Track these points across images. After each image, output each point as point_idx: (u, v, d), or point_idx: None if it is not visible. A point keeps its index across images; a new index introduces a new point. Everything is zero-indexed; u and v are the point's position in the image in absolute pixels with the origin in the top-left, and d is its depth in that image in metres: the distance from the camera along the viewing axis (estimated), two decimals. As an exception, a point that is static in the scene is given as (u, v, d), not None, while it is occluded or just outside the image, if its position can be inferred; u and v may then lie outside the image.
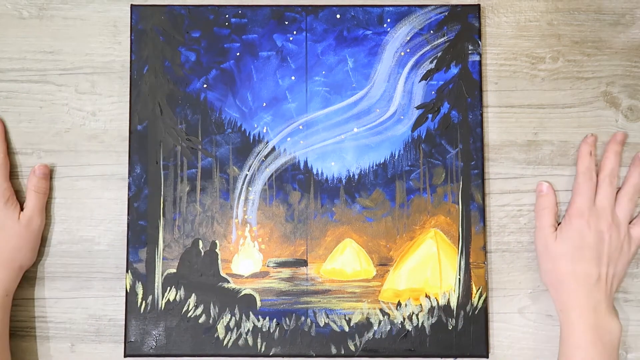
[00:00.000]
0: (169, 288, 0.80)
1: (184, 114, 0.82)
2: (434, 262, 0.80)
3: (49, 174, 0.81)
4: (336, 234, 0.81)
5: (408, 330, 0.79)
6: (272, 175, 0.81)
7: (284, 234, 0.81)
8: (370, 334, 0.79)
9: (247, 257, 0.81)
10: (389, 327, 0.79)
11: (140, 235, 0.80)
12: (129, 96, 0.82)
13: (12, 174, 0.82)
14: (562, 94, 0.83)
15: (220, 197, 0.81)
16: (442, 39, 0.82)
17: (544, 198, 0.79)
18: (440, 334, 0.79)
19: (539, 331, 0.81)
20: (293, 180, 0.81)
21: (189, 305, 0.79)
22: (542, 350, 0.81)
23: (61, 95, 0.83)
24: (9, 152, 0.82)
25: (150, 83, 0.82)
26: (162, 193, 0.81)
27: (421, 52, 0.82)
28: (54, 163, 0.82)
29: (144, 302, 0.79)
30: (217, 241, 0.81)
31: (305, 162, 0.81)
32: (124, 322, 0.80)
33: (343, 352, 0.79)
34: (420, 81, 0.82)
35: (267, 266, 0.81)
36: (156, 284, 0.80)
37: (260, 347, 0.79)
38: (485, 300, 0.79)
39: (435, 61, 0.82)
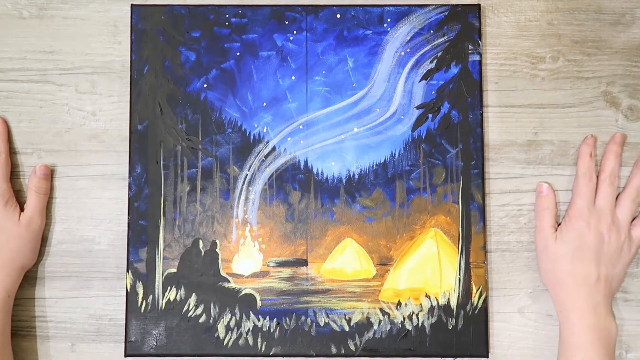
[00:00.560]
0: (169, 288, 0.80)
1: (184, 114, 0.82)
2: (434, 261, 0.80)
3: (50, 175, 0.82)
4: (336, 234, 0.81)
5: (408, 330, 0.79)
6: (272, 175, 0.81)
7: (284, 234, 0.81)
8: (371, 334, 0.79)
9: (248, 256, 0.81)
10: (389, 327, 0.79)
11: (140, 235, 0.80)
12: (129, 96, 0.82)
13: (13, 174, 0.82)
14: (562, 93, 0.83)
15: (221, 196, 0.81)
16: (442, 39, 0.82)
17: (543, 199, 0.80)
18: (440, 333, 0.79)
19: (539, 331, 0.81)
20: (293, 180, 0.81)
21: (189, 305, 0.80)
22: (542, 350, 0.81)
23: (61, 95, 0.83)
24: (12, 152, 0.82)
25: (151, 83, 0.82)
26: (162, 193, 0.81)
27: (421, 52, 0.82)
28: (54, 163, 0.82)
29: (144, 301, 0.80)
30: (217, 241, 0.81)
31: (306, 162, 0.81)
32: (124, 322, 0.80)
33: (343, 352, 0.79)
34: (420, 81, 0.82)
35: (268, 266, 0.81)
36: (156, 284, 0.80)
37: (261, 347, 0.79)
38: (485, 300, 0.79)
39: (435, 61, 0.82)
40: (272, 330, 0.79)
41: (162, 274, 0.80)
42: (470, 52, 0.82)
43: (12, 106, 0.83)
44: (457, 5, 0.82)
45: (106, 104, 0.83)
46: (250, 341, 0.79)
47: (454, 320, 0.79)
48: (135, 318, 0.79)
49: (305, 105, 0.82)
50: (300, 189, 0.81)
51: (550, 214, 0.79)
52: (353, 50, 0.82)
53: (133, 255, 0.80)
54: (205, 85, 0.82)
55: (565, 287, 0.76)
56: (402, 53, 0.82)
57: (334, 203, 0.81)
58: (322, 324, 0.79)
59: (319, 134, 0.82)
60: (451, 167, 0.81)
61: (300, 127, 0.82)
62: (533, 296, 0.81)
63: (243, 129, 0.82)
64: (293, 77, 0.82)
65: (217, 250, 0.81)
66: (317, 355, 0.79)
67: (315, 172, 0.81)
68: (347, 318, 0.79)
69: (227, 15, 0.82)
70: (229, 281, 0.80)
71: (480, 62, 0.82)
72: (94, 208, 0.82)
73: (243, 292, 0.80)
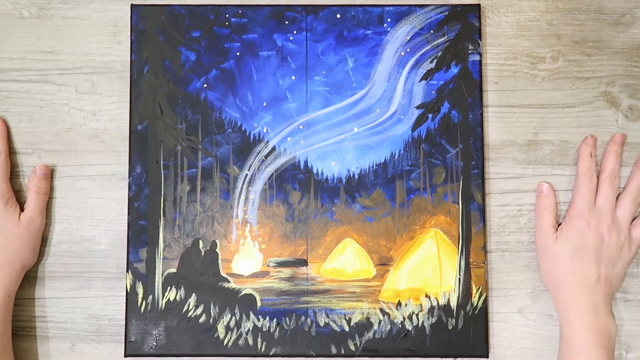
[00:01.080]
0: (169, 288, 0.80)
1: (184, 114, 0.82)
2: (434, 261, 0.80)
3: (50, 175, 0.82)
4: (336, 234, 0.81)
5: (408, 330, 0.79)
6: (272, 175, 0.81)
7: (284, 234, 0.81)
8: (371, 334, 0.79)
9: (248, 256, 0.81)
10: (389, 327, 0.79)
11: (140, 235, 0.80)
12: (129, 96, 0.82)
13: (12, 174, 0.82)
14: (562, 93, 0.83)
15: (221, 196, 0.81)
16: (442, 39, 0.82)
17: (544, 199, 0.79)
18: (440, 333, 0.79)
19: (539, 331, 0.81)
20: (293, 180, 0.81)
21: (189, 305, 0.80)
22: (542, 350, 0.81)
23: (61, 95, 0.83)
24: (12, 152, 0.82)
25: (151, 83, 0.82)
26: (162, 193, 0.81)
27: (421, 52, 0.82)
28: (54, 163, 0.82)
29: (144, 301, 0.80)
30: (217, 241, 0.81)
31: (306, 162, 0.81)
32: (124, 322, 0.80)
33: (343, 352, 0.79)
34: (420, 81, 0.82)
35: (268, 266, 0.81)
36: (156, 284, 0.80)
37: (261, 347, 0.79)
38: (485, 300, 0.79)
39: (435, 61, 0.82)
40: (272, 331, 0.79)
41: (162, 274, 0.80)
42: (470, 52, 0.82)
43: (12, 106, 0.83)
44: (457, 5, 0.82)
45: (106, 104, 0.83)
46: (250, 341, 0.79)
47: (454, 320, 0.79)
48: (135, 318, 0.79)
49: (305, 105, 0.82)
50: (300, 189, 0.81)
51: (550, 214, 0.79)
52: (353, 50, 0.82)
53: (133, 255, 0.80)
54: (205, 85, 0.82)
55: (565, 287, 0.76)
56: (402, 53, 0.82)
57: (334, 203, 0.81)
58: (322, 324, 0.79)
59: (319, 134, 0.82)
60: (451, 167, 0.81)
61: (300, 127, 0.82)
62: (533, 296, 0.81)
63: (243, 129, 0.82)
64: (293, 77, 0.82)
65: (217, 250, 0.81)
66: (317, 356, 0.79)
67: (315, 172, 0.81)
68: (347, 318, 0.79)
69: (227, 15, 0.82)
70: (229, 281, 0.80)
71: (480, 62, 0.82)
72: (94, 208, 0.82)
73: (243, 292, 0.80)
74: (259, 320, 0.79)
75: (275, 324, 0.79)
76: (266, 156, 0.81)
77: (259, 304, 0.80)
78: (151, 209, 0.81)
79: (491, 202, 0.82)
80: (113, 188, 0.82)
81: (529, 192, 0.82)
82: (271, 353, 0.79)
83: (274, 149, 0.81)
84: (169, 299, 0.80)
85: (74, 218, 0.82)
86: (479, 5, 0.82)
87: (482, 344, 0.79)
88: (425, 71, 0.82)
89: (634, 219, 0.79)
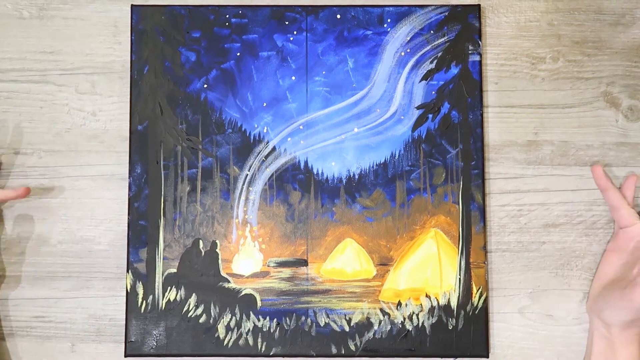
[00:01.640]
0: (169, 288, 0.80)
1: (184, 114, 0.82)
2: (434, 262, 0.80)
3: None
4: (336, 234, 0.81)
5: (408, 330, 0.79)
6: (272, 175, 0.81)
7: (284, 234, 0.81)
8: (371, 334, 0.79)
9: (248, 256, 0.81)
10: (389, 327, 0.79)
11: (140, 235, 0.80)
12: (129, 96, 0.82)
13: (13, 174, 0.82)
14: (562, 94, 0.83)
15: (221, 197, 0.81)
16: (443, 39, 0.82)
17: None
18: (441, 333, 0.79)
19: (539, 331, 0.81)
20: (293, 180, 0.81)
21: (189, 305, 0.80)
22: (542, 350, 0.81)
23: (61, 95, 0.83)
24: (11, 152, 0.82)
25: (151, 83, 0.82)
26: (162, 193, 0.81)
27: (421, 52, 0.82)
28: (54, 163, 0.82)
29: (144, 302, 0.79)
30: (217, 241, 0.81)
31: (306, 162, 0.81)
32: (124, 322, 0.80)
33: (343, 352, 0.79)
34: (420, 81, 0.82)
35: (268, 266, 0.81)
36: (157, 284, 0.80)
37: (261, 347, 0.79)
38: (486, 300, 0.79)
39: (435, 61, 0.82)
40: (272, 331, 0.79)
41: (162, 274, 0.80)
42: (470, 52, 0.82)
43: (12, 106, 0.83)
44: (457, 6, 0.82)
45: (106, 104, 0.83)
46: (251, 341, 0.79)
47: (454, 320, 0.79)
48: (135, 318, 0.79)
49: (306, 105, 0.82)
50: (300, 189, 0.81)
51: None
52: (353, 51, 0.82)
53: (133, 256, 0.80)
54: (205, 86, 0.82)
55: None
56: (402, 53, 0.82)
57: (334, 203, 0.81)
58: (322, 324, 0.79)
59: (319, 134, 0.82)
60: (451, 168, 0.81)
61: (301, 127, 0.82)
62: (533, 296, 0.81)
63: (243, 129, 0.82)
64: (293, 78, 0.82)
65: (217, 250, 0.81)
66: (317, 356, 0.79)
67: (315, 173, 0.81)
68: (347, 318, 0.79)
69: (227, 16, 0.82)
70: (229, 281, 0.80)
71: (480, 62, 0.82)
72: (94, 208, 0.82)
73: (243, 292, 0.80)
74: (259, 320, 0.79)
75: (275, 324, 0.79)
76: (266, 156, 0.81)
77: (259, 304, 0.80)
78: (151, 209, 0.81)
79: (491, 202, 0.82)
80: (113, 188, 0.82)
81: (529, 192, 0.82)
82: (271, 353, 0.79)
83: (274, 149, 0.82)
84: (169, 299, 0.80)
85: (74, 218, 0.82)
86: (479, 5, 0.82)
87: (482, 344, 0.79)
88: (425, 71, 0.82)
89: None
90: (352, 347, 0.79)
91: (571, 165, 0.82)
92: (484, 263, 0.80)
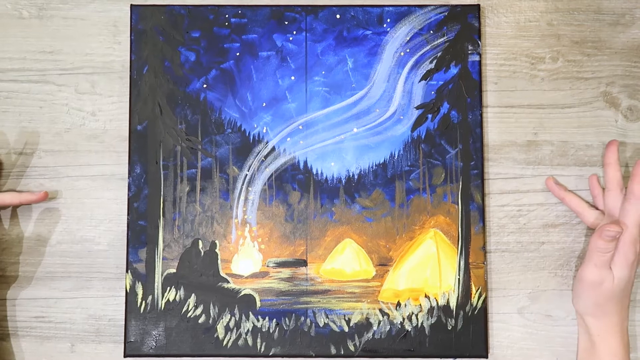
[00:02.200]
0: (168, 288, 0.80)
1: (183, 114, 0.82)
2: (434, 262, 0.80)
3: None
4: (336, 234, 0.81)
5: (407, 331, 0.79)
6: (271, 175, 0.81)
7: (283, 234, 0.81)
8: (370, 334, 0.79)
9: (247, 257, 0.81)
10: (388, 327, 0.79)
11: (140, 235, 0.80)
12: (129, 96, 0.82)
13: (12, 174, 0.82)
14: (562, 94, 0.82)
15: (220, 197, 0.81)
16: (442, 39, 0.82)
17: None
18: (440, 334, 0.79)
19: (539, 331, 0.81)
20: (293, 180, 0.81)
21: (188, 305, 0.80)
22: (541, 350, 0.81)
23: (61, 95, 0.83)
24: (11, 152, 0.82)
25: (150, 83, 0.82)
26: (162, 193, 0.81)
27: (421, 52, 0.82)
28: (54, 163, 0.82)
29: (143, 302, 0.80)
30: (216, 241, 0.81)
31: (305, 162, 0.81)
32: (123, 322, 0.80)
33: (342, 352, 0.79)
34: (420, 81, 0.82)
35: (267, 266, 0.81)
36: (156, 284, 0.80)
37: (260, 347, 0.79)
38: (485, 300, 0.79)
39: (435, 61, 0.82)
40: (271, 331, 0.79)
41: (162, 275, 0.80)
42: (469, 52, 0.82)
43: (11, 106, 0.83)
44: (456, 6, 0.82)
45: (106, 104, 0.83)
46: (250, 342, 0.79)
47: (453, 320, 0.79)
48: (135, 318, 0.79)
49: (305, 105, 0.82)
50: (299, 189, 0.81)
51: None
52: (353, 51, 0.82)
53: (132, 256, 0.80)
54: (204, 86, 0.82)
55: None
56: (402, 53, 0.82)
57: (333, 203, 0.81)
58: (321, 324, 0.79)
59: (319, 134, 0.82)
60: (451, 168, 0.81)
61: (300, 127, 0.82)
62: (532, 296, 0.81)
63: (243, 129, 0.82)
64: (293, 78, 0.82)
65: (217, 250, 0.81)
66: (316, 356, 0.79)
67: (314, 173, 0.81)
68: (346, 318, 0.79)
69: (227, 16, 0.82)
70: (228, 281, 0.80)
71: (479, 62, 0.82)
72: (94, 208, 0.82)
73: (242, 293, 0.80)
74: (258, 320, 0.79)
75: (274, 324, 0.79)
76: (266, 156, 0.81)
77: (258, 304, 0.80)
78: (151, 209, 0.81)
79: (491, 202, 0.82)
80: (113, 188, 0.82)
81: (529, 192, 0.82)
82: (271, 353, 0.79)
83: (273, 149, 0.82)
84: (168, 299, 0.80)
85: (74, 218, 0.82)
86: (478, 5, 0.82)
87: (481, 344, 0.79)
88: (424, 71, 0.82)
89: None
90: (352, 348, 0.79)
91: (570, 165, 0.82)
92: (483, 263, 0.80)
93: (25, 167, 0.82)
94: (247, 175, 0.81)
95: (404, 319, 0.79)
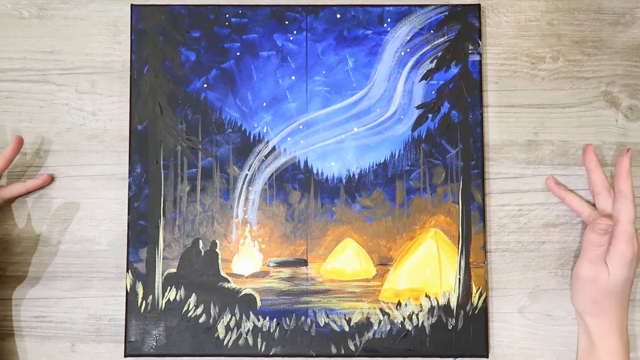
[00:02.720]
0: (169, 288, 0.80)
1: (184, 114, 0.82)
2: (434, 261, 0.80)
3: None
4: (336, 234, 0.81)
5: (408, 330, 0.79)
6: (272, 175, 0.81)
7: (284, 234, 0.81)
8: (370, 334, 0.79)
9: (247, 256, 0.81)
10: (389, 327, 0.79)
11: (140, 235, 0.80)
12: (129, 96, 0.82)
13: (13, 174, 0.82)
14: (562, 93, 0.83)
15: (221, 196, 0.81)
16: (443, 39, 0.82)
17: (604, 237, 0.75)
18: (440, 333, 0.79)
19: (539, 331, 0.81)
20: (293, 180, 0.81)
21: (189, 305, 0.80)
22: (542, 350, 0.81)
23: (61, 95, 0.83)
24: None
25: (151, 83, 0.82)
26: (162, 193, 0.81)
27: (421, 52, 0.82)
28: (54, 163, 0.82)
29: (144, 301, 0.80)
30: (217, 241, 0.81)
31: (306, 162, 0.81)
32: (124, 322, 0.80)
33: (343, 352, 0.79)
34: (420, 81, 0.82)
35: (267, 266, 0.81)
36: (156, 284, 0.80)
37: (261, 347, 0.79)
38: (485, 300, 0.79)
39: (435, 61, 0.82)
40: (272, 331, 0.79)
41: (162, 274, 0.80)
42: (470, 52, 0.82)
43: (11, 106, 0.83)
44: (457, 5, 0.82)
45: (106, 104, 0.83)
46: (250, 341, 0.79)
47: (454, 320, 0.79)
48: (135, 318, 0.79)
49: (305, 105, 0.82)
50: (300, 189, 0.81)
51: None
52: (353, 50, 0.82)
53: (133, 255, 0.80)
54: (205, 85, 0.82)
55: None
56: (402, 53, 0.82)
57: (333, 203, 0.81)
58: (322, 324, 0.79)
59: (319, 134, 0.82)
60: (451, 167, 0.81)
61: (300, 127, 0.82)
62: (533, 296, 0.81)
63: (243, 129, 0.82)
64: (293, 77, 0.82)
65: (217, 250, 0.81)
66: (317, 356, 0.79)
67: (315, 172, 0.81)
68: (347, 318, 0.79)
69: (227, 15, 0.82)
70: (228, 281, 0.80)
71: (480, 62, 0.82)
72: (94, 208, 0.82)
73: (243, 292, 0.80)
74: (259, 320, 0.79)
75: (275, 324, 0.79)
76: (266, 156, 0.81)
77: (258, 304, 0.80)
78: (151, 209, 0.81)
79: (491, 202, 0.82)
80: (113, 188, 0.82)
81: (529, 192, 0.82)
82: (271, 353, 0.79)
83: (274, 149, 0.82)
84: (169, 299, 0.80)
85: (74, 218, 0.82)
86: (479, 5, 0.82)
87: (482, 343, 0.79)
88: (425, 71, 0.82)
89: None
90: (352, 347, 0.79)
91: (571, 165, 0.82)
92: (484, 263, 0.80)
93: (26, 167, 0.82)
94: (247, 175, 0.81)
95: (404, 319, 0.79)
